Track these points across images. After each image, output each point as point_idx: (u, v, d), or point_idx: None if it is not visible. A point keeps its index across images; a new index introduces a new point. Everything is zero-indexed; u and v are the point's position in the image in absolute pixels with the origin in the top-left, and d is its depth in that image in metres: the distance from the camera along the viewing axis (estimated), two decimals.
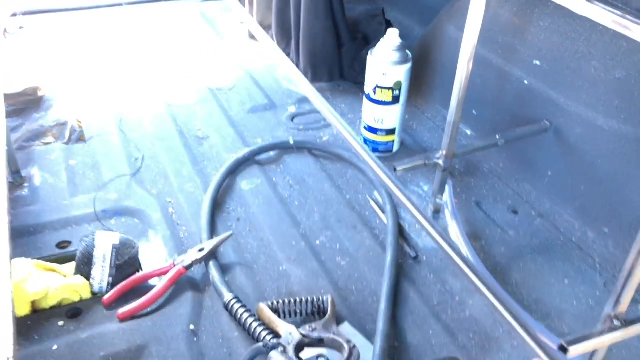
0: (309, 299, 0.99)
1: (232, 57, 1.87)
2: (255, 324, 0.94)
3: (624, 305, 0.79)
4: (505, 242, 1.20)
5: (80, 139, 1.44)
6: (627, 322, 0.80)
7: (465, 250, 1.13)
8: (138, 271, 1.07)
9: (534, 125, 1.27)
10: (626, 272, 0.77)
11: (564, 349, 0.76)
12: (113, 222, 1.20)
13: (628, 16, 0.73)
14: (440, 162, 1.13)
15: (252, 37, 1.97)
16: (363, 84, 1.40)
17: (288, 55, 1.78)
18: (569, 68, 1.24)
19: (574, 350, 0.76)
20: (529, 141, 1.29)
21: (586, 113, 1.21)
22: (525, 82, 1.31)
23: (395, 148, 1.43)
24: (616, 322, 0.80)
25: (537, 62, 1.29)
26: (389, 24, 1.74)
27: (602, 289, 1.09)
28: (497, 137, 1.23)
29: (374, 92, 1.34)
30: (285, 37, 1.75)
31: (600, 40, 1.20)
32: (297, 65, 1.71)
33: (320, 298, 1.00)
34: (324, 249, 1.16)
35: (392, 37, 1.31)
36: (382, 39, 1.33)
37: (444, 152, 1.12)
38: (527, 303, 1.06)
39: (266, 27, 1.87)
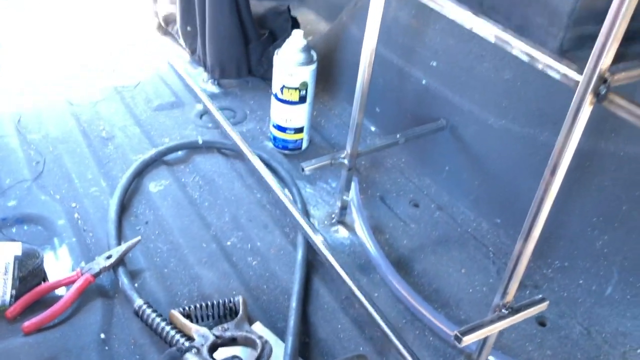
0: (220, 301, 1.01)
1: (136, 54, 1.83)
2: (167, 328, 0.95)
3: (510, 295, 0.87)
4: (408, 234, 1.27)
5: None
6: (514, 310, 0.88)
7: (369, 244, 1.18)
8: (43, 281, 1.05)
9: (432, 124, 1.35)
10: (512, 265, 0.85)
11: (458, 339, 0.83)
12: (14, 230, 1.16)
13: (508, 30, 0.80)
14: (345, 161, 1.18)
15: (157, 33, 1.92)
16: (271, 79, 1.42)
17: (194, 51, 1.76)
18: (462, 69, 1.32)
19: (467, 339, 0.83)
20: (428, 138, 1.37)
21: (479, 112, 1.30)
22: (424, 82, 1.39)
23: (304, 145, 1.47)
24: (504, 311, 0.88)
25: (434, 63, 1.37)
26: (295, 21, 1.76)
27: (495, 276, 1.19)
28: (398, 136, 1.29)
29: (281, 92, 1.37)
30: (190, 33, 1.74)
31: (490, 43, 1.28)
32: (204, 62, 1.70)
33: (232, 299, 1.02)
34: (235, 249, 1.18)
35: (297, 38, 1.33)
36: (287, 40, 1.35)
37: (349, 152, 1.17)
38: (428, 293, 1.14)
39: (171, 23, 1.84)
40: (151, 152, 1.37)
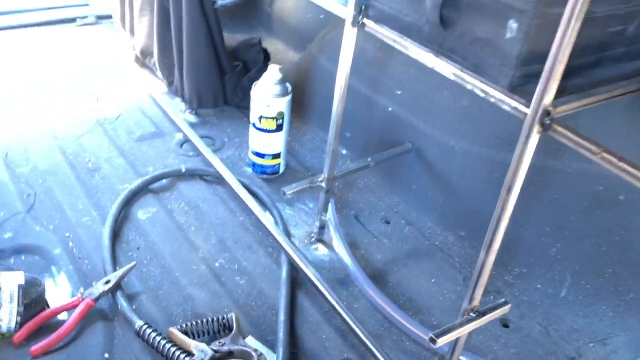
0: (215, 318, 1.10)
1: (115, 86, 1.90)
2: (168, 345, 1.03)
3: (476, 300, 0.99)
4: (381, 249, 1.39)
5: None
6: (480, 313, 1.00)
7: (348, 260, 1.29)
8: (45, 308, 1.11)
9: (399, 147, 1.47)
10: (477, 273, 0.97)
11: (433, 341, 0.93)
12: (12, 261, 1.22)
13: (465, 69, 0.92)
14: (323, 184, 1.28)
15: (134, 65, 2.00)
16: (246, 108, 1.53)
17: (172, 83, 1.85)
18: (424, 97, 1.45)
19: (441, 340, 0.94)
20: (396, 160, 1.49)
21: (440, 136, 1.43)
22: (390, 109, 1.51)
23: (282, 170, 1.57)
24: (472, 314, 1.00)
25: (399, 92, 1.49)
26: (266, 52, 1.87)
27: (462, 284, 1.31)
28: (369, 159, 1.41)
29: (260, 121, 1.47)
30: (168, 66, 1.83)
31: None
32: (182, 93, 1.79)
33: (225, 316, 1.11)
34: (224, 270, 1.27)
35: (273, 71, 1.44)
36: (264, 73, 1.46)
37: (326, 176, 1.28)
38: (402, 302, 1.25)
39: (148, 56, 1.93)
40: (137, 182, 1.45)
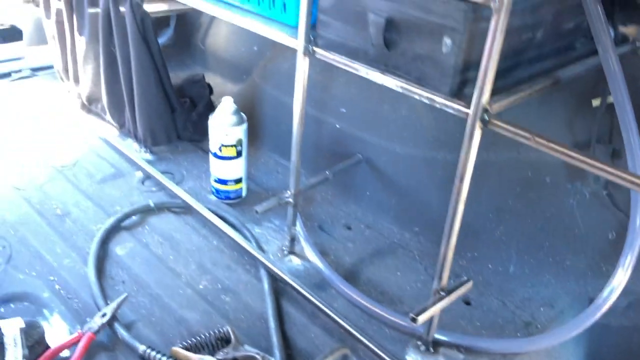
0: (213, 332, 1.19)
1: (67, 134, 1.95)
2: None
3: (444, 280, 1.14)
4: (348, 252, 1.52)
5: None
6: (449, 292, 1.15)
7: (322, 265, 1.41)
8: (48, 348, 1.16)
9: (351, 159, 1.62)
10: (441, 256, 1.12)
11: (414, 320, 1.07)
12: (2, 310, 1.26)
13: (410, 82, 1.07)
14: (291, 199, 1.40)
15: (81, 112, 2.05)
16: (198, 141, 1.63)
17: (123, 125, 1.92)
18: (367, 111, 1.61)
19: (421, 318, 1.07)
20: (349, 171, 1.64)
21: (386, 144, 1.59)
22: (337, 126, 1.66)
23: (244, 193, 1.68)
24: (442, 293, 1.15)
25: (343, 110, 1.65)
26: (210, 87, 1.98)
27: (424, 273, 1.46)
28: (327, 172, 1.55)
29: (220, 150, 1.58)
30: (118, 109, 1.89)
31: (387, 88, 1.59)
32: (135, 133, 1.87)
33: (221, 330, 1.20)
34: (208, 291, 1.36)
35: (228, 103, 1.56)
36: (219, 105, 1.57)
37: (292, 192, 1.40)
38: (375, 295, 1.38)
39: (94, 102, 1.99)
40: (110, 220, 1.52)
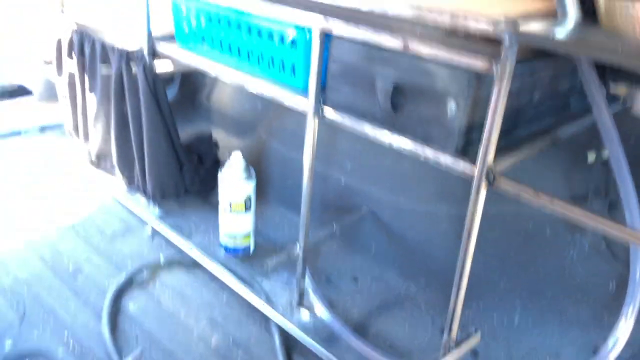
0: None
1: (77, 191, 1.99)
2: None
3: (454, 332, 1.17)
4: (356, 305, 1.55)
5: None
6: (457, 344, 1.18)
7: (332, 320, 1.44)
8: None
9: (357, 212, 1.67)
10: (451, 310, 1.15)
11: None
12: None
13: (416, 142, 1.12)
14: (301, 253, 1.44)
15: (91, 169, 2.10)
16: (205, 195, 1.66)
17: (132, 180, 1.97)
18: (371, 166, 1.67)
19: None
20: (355, 224, 1.68)
21: (390, 198, 1.64)
22: (342, 180, 1.72)
23: (252, 248, 1.71)
24: (452, 344, 1.18)
25: (348, 165, 1.70)
26: (217, 144, 2.05)
27: (431, 324, 1.49)
28: (334, 226, 1.59)
29: (230, 206, 1.62)
30: (127, 165, 1.94)
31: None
32: (144, 189, 1.91)
33: None
34: (220, 345, 1.38)
35: (237, 159, 1.61)
36: (228, 161, 1.63)
37: (302, 246, 1.44)
38: (385, 348, 1.40)
39: (103, 159, 2.04)
40: (122, 276, 1.55)
